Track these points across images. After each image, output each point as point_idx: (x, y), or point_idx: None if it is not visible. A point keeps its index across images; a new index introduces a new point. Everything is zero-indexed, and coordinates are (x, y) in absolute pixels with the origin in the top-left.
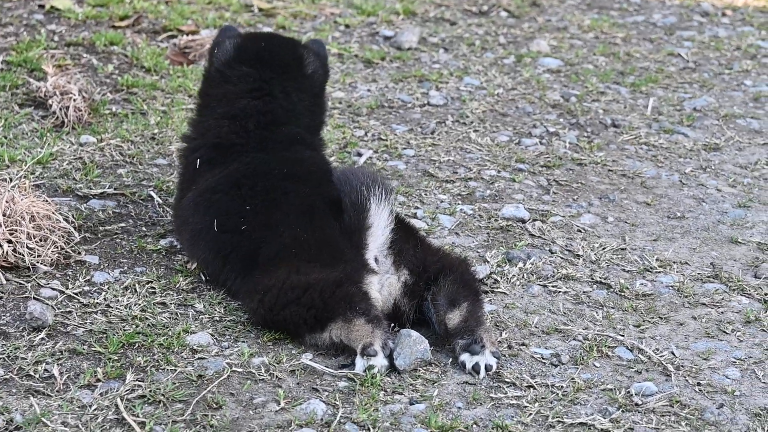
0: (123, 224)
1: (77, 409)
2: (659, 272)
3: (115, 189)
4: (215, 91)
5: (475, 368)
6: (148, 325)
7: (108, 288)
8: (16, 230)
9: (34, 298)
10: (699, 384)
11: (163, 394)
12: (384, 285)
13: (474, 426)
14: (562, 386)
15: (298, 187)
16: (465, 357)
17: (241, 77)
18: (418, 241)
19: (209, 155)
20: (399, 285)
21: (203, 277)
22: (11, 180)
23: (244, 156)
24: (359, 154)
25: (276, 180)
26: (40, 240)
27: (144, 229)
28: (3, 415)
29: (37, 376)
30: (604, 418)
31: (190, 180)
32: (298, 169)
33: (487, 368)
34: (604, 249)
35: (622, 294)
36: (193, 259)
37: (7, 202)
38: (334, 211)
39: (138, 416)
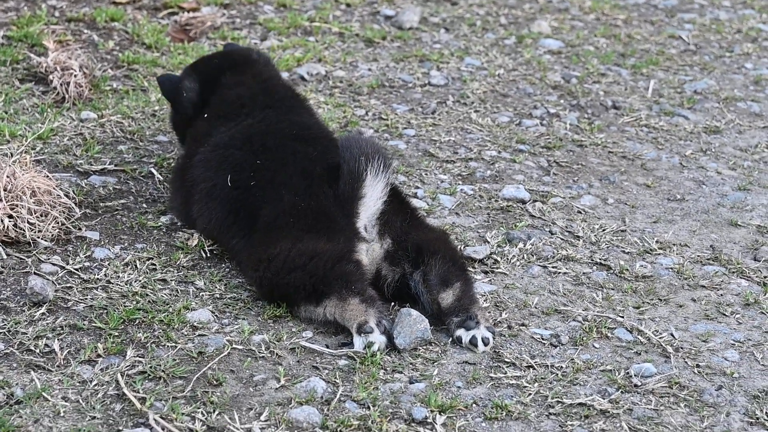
0: (123, 201)
1: (78, 384)
2: (659, 254)
3: (115, 165)
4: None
5: (473, 342)
6: (149, 301)
7: (108, 264)
8: (17, 205)
9: (35, 273)
10: (698, 366)
11: (163, 370)
12: (368, 251)
13: (474, 405)
14: (561, 367)
15: (306, 149)
16: (461, 332)
17: (228, 79)
18: (407, 214)
19: (218, 111)
20: (381, 252)
21: (204, 254)
22: (12, 155)
23: (256, 112)
24: (360, 133)
25: (286, 139)
26: (41, 215)
27: (144, 205)
28: (3, 389)
29: (37, 350)
30: (604, 399)
31: (195, 147)
32: (307, 133)
33: (484, 341)
34: (604, 230)
35: (622, 275)
36: (203, 222)
37: (8, 177)
38: (331, 176)
39: (138, 392)
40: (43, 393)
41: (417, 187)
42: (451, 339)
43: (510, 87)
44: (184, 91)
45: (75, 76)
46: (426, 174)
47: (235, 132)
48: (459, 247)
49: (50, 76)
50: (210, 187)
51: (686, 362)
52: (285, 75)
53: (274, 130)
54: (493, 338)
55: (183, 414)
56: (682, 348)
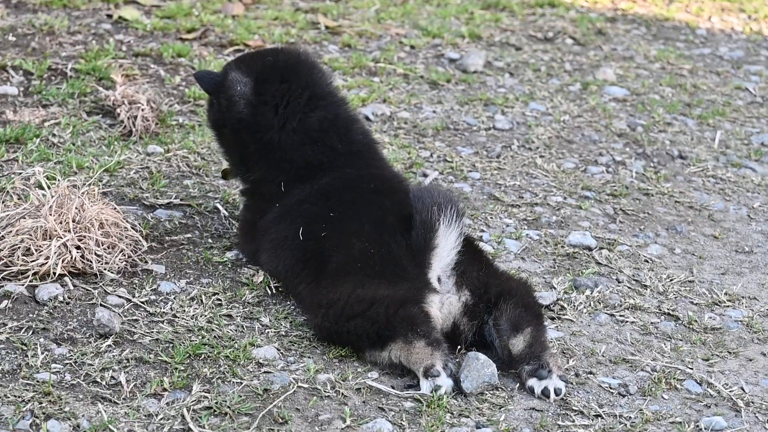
0: (189, 235)
1: (143, 417)
2: (728, 306)
3: (181, 200)
4: (260, 123)
5: (545, 392)
6: (214, 336)
7: (174, 298)
8: (84, 236)
9: (101, 305)
10: None
11: (229, 407)
12: (444, 304)
13: None
14: (630, 417)
15: (381, 201)
16: (533, 382)
17: (282, 95)
18: (483, 263)
19: (296, 175)
20: (459, 305)
21: (269, 291)
22: (80, 187)
23: (334, 171)
24: (425, 175)
25: (363, 192)
26: (108, 247)
27: (210, 240)
28: (70, 420)
29: (103, 382)
30: None
31: (266, 205)
32: (384, 186)
33: (557, 392)
34: (671, 280)
35: (691, 327)
36: (270, 267)
37: (77, 208)
38: (404, 226)
39: (204, 427)
40: (110, 425)
41: (482, 231)
42: (519, 385)
43: (575, 133)
44: (230, 73)
45: (142, 110)
46: (491, 218)
47: (311, 190)
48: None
49: (117, 110)
50: (282, 238)
51: (757, 417)
52: None
53: (350, 185)
54: (566, 387)
55: None
56: (753, 402)
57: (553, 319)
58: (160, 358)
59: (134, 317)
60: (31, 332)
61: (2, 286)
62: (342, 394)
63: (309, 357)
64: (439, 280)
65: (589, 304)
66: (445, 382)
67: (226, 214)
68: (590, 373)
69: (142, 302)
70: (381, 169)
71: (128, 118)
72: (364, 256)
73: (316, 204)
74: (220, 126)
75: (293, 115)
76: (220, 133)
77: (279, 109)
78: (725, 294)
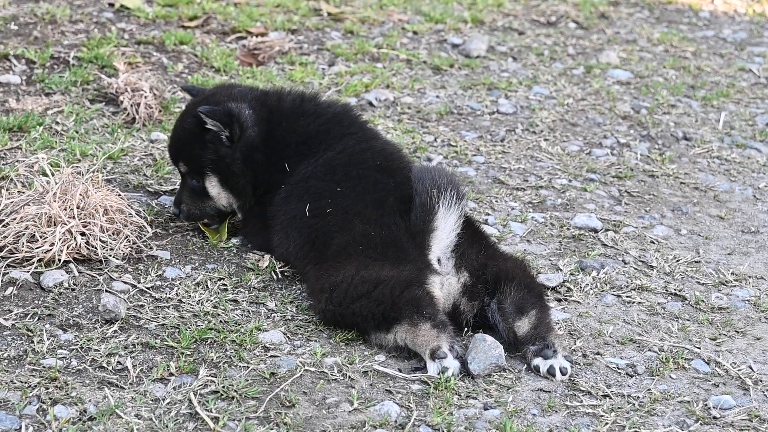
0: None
1: (150, 402)
2: (734, 286)
3: None
4: (265, 140)
5: (550, 371)
6: (220, 321)
7: (180, 283)
8: (89, 223)
9: (107, 290)
10: None
11: (236, 390)
12: (444, 285)
13: None
14: (638, 397)
15: (386, 180)
16: (538, 361)
17: (263, 108)
18: (483, 245)
19: (296, 152)
20: (458, 286)
21: (274, 276)
22: (84, 174)
23: (336, 143)
24: (429, 160)
25: (368, 170)
26: (113, 233)
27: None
28: (77, 405)
29: (110, 368)
30: (682, 431)
31: (274, 194)
32: (389, 164)
33: (562, 371)
34: (678, 261)
35: (698, 307)
36: (282, 250)
37: (81, 195)
38: (404, 207)
39: (211, 411)
40: (116, 410)
41: (487, 214)
42: (526, 366)
43: (579, 116)
44: (244, 111)
45: (145, 97)
46: (496, 201)
47: (317, 164)
48: (535, 274)
49: (120, 97)
50: (291, 217)
51: (766, 395)
52: (353, 101)
53: (356, 160)
54: (571, 367)
55: None
56: (761, 381)
57: (559, 300)
58: (166, 343)
59: (140, 303)
60: (36, 318)
61: (7, 273)
62: (349, 377)
63: (315, 341)
64: (439, 261)
65: (596, 286)
66: (452, 364)
67: None
68: (598, 353)
69: (148, 288)
70: (380, 141)
71: (131, 106)
72: (365, 237)
73: (322, 179)
74: (226, 162)
75: (278, 115)
76: (227, 170)
77: (270, 116)
78: (732, 274)
